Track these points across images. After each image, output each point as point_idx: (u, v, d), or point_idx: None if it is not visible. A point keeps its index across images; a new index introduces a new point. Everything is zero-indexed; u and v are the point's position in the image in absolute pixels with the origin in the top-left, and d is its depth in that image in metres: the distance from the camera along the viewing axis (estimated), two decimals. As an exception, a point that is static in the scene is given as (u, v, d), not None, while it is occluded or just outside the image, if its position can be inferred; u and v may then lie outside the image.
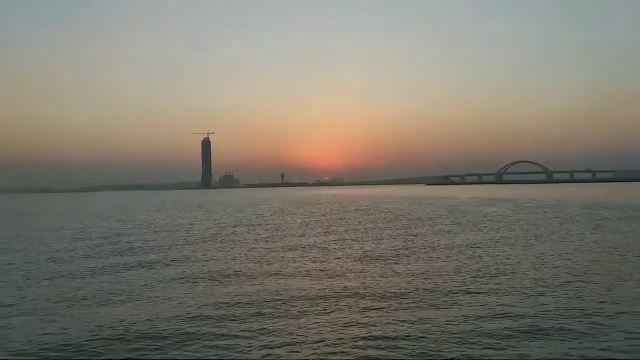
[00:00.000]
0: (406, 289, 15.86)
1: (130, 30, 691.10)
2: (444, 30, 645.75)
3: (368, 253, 24.00)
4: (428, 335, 11.21)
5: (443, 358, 9.99)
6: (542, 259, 20.97)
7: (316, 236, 32.41)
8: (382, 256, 22.86)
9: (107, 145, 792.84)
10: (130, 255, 24.90)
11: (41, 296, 16.03)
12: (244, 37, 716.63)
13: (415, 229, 35.79)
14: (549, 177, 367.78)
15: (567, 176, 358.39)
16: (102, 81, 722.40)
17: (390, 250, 24.80)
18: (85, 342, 11.26)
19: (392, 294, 15.15)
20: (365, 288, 16.12)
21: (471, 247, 25.22)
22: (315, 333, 11.57)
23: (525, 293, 14.94)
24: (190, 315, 13.27)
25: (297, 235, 33.44)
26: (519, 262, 20.34)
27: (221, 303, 14.56)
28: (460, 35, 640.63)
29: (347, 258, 22.68)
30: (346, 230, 36.38)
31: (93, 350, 10.84)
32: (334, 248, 26.17)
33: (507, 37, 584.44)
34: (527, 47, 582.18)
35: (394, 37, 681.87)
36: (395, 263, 20.91)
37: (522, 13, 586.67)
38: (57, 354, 10.74)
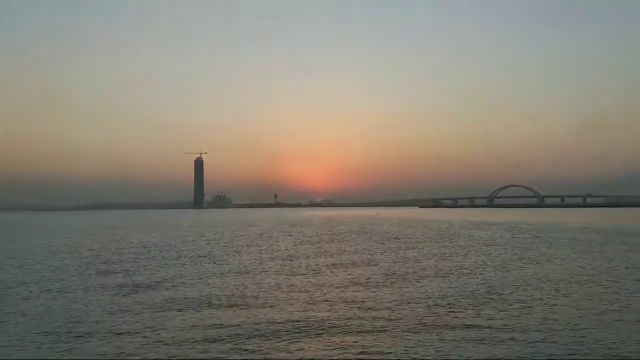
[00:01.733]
0: (394, 312, 16.50)
1: (122, 44, 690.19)
2: (434, 53, 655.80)
3: (360, 277, 24.62)
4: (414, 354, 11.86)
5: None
6: (528, 282, 21.68)
7: (308, 260, 32.94)
8: (375, 280, 23.49)
9: (99, 165, 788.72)
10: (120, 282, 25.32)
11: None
12: (238, 53, 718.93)
13: (406, 251, 36.43)
14: (540, 201, 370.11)
15: (558, 200, 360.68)
16: (93, 98, 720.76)
17: (385, 273, 25.44)
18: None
19: (382, 318, 15.76)
20: (355, 312, 16.74)
21: (460, 269, 25.88)
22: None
23: (508, 313, 15.64)
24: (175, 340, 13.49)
25: (289, 259, 33.95)
26: (504, 285, 21.05)
27: (210, 327, 14.90)
28: (448, 59, 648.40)
29: (338, 282, 23.25)
30: (338, 253, 36.92)
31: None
32: (325, 272, 26.71)
33: (497, 59, 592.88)
34: (517, 68, 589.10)
35: (388, 59, 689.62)
36: (385, 286, 21.56)
37: (508, 35, 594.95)
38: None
